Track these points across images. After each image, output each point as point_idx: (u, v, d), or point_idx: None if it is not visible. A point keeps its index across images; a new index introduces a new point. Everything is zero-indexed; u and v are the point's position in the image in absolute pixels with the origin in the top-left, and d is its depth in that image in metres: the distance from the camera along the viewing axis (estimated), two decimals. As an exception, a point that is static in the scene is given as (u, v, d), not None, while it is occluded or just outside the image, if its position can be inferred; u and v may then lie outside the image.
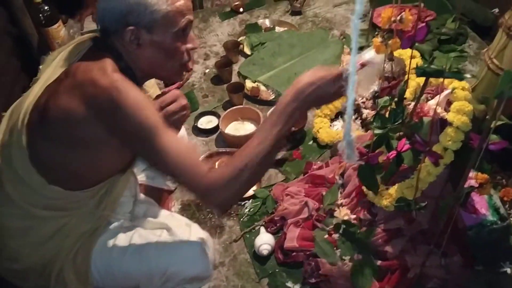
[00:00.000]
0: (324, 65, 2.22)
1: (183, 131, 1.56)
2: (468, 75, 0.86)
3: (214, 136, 2.04)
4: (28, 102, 1.16)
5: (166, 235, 1.28)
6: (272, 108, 1.21)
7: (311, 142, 1.95)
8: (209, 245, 1.29)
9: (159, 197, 1.64)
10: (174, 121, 1.32)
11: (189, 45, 1.20)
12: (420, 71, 0.87)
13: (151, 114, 1.06)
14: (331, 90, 1.07)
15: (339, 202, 1.60)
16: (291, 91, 1.08)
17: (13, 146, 1.16)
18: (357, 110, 1.92)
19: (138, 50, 1.14)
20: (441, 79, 1.24)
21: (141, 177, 1.57)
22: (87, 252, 1.25)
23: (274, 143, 1.07)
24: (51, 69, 1.22)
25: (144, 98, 1.08)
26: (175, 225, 1.30)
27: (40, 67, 1.36)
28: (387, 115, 1.12)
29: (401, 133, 1.19)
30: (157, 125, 1.05)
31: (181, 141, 1.12)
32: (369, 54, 1.04)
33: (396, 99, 1.09)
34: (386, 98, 1.09)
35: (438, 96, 1.16)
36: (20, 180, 1.16)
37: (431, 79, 1.19)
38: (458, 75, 0.85)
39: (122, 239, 1.28)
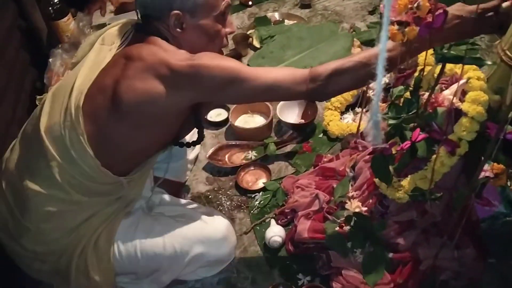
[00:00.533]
0: (333, 58, 2.23)
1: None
2: (488, 62, 0.85)
3: (224, 129, 2.04)
4: (79, 85, 1.17)
5: (189, 219, 1.28)
6: None
7: (321, 135, 1.94)
8: (231, 228, 1.30)
9: (171, 189, 1.64)
10: None
11: (228, 29, 1.24)
12: (439, 57, 0.86)
13: (226, 60, 1.15)
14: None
15: (350, 194, 1.59)
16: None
17: (68, 128, 1.16)
18: (368, 102, 1.91)
19: (182, 34, 1.19)
20: (455, 69, 1.22)
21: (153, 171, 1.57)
22: (109, 235, 1.26)
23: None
24: (95, 53, 1.23)
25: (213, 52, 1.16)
26: (196, 211, 1.30)
27: (75, 55, 1.35)
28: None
29: (414, 124, 1.18)
30: (237, 64, 1.15)
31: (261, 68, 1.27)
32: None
33: (410, 88, 1.08)
34: (401, 87, 1.08)
35: (455, 85, 1.14)
36: (72, 161, 1.16)
37: (446, 68, 1.18)
38: (479, 60, 0.83)
39: (145, 223, 1.29)
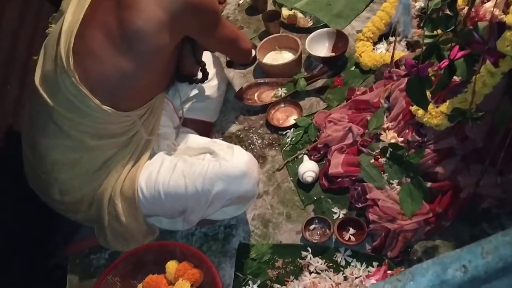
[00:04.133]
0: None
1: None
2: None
3: (252, 67, 1.98)
4: (66, 28, 1.15)
5: (210, 157, 1.27)
6: None
7: (353, 68, 1.86)
8: (253, 163, 1.28)
9: (201, 129, 1.62)
10: None
11: None
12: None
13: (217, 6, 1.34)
14: None
15: (385, 125, 1.54)
16: None
17: (59, 72, 1.15)
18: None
19: None
20: (498, -21, 1.11)
21: (183, 110, 1.55)
22: (133, 179, 1.27)
23: None
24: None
25: None
26: (217, 148, 1.29)
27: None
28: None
29: (452, 44, 1.10)
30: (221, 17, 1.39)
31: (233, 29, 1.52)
32: None
33: (448, 0, 0.99)
34: (438, 0, 0.99)
35: (496, -4, 1.04)
36: (71, 105, 1.16)
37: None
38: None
39: (167, 165, 1.29)
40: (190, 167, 1.25)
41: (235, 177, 1.22)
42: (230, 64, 1.91)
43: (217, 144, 1.34)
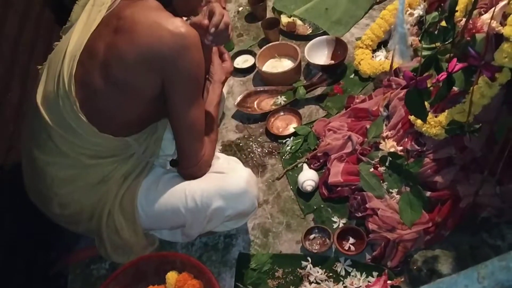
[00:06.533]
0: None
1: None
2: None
3: (251, 75, 1.99)
4: (71, 50, 1.16)
5: (209, 172, 1.27)
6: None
7: (352, 76, 1.86)
8: (252, 180, 1.28)
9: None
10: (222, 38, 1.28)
11: None
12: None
13: (202, 80, 1.20)
14: None
15: (384, 134, 1.54)
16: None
17: (61, 96, 1.16)
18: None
19: None
20: (496, -10, 1.12)
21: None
22: (132, 194, 1.27)
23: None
24: (86, 14, 1.21)
25: (202, 60, 1.15)
26: (216, 163, 1.29)
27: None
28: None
29: (451, 54, 1.10)
30: (201, 95, 1.22)
31: (202, 121, 1.23)
32: None
33: (446, 14, 0.99)
34: (435, 13, 1.00)
35: (493, 8, 1.05)
36: (70, 129, 1.17)
37: (485, -9, 1.08)
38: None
39: (165, 179, 1.29)
40: (189, 182, 1.25)
41: (235, 194, 1.22)
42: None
43: (216, 157, 1.33)
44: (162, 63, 1.09)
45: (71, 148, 1.19)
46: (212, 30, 1.20)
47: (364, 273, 1.33)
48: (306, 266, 1.38)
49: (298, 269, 1.38)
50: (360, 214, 1.42)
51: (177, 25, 1.09)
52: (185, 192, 1.23)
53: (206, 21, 1.22)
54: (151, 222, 1.30)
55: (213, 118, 1.35)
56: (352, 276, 1.33)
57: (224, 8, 2.23)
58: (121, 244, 1.30)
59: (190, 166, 1.25)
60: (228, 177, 1.23)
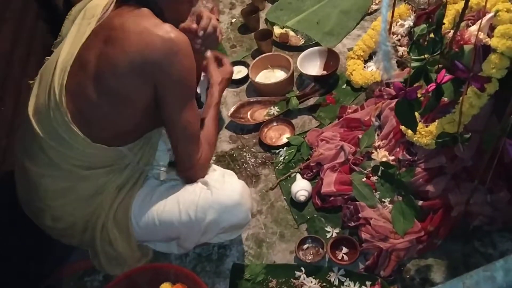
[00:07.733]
0: (354, 6, 2.14)
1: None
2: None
3: (245, 86, 2.01)
4: (62, 62, 1.17)
5: (202, 185, 1.27)
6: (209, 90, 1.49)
7: (344, 86, 1.88)
8: (246, 192, 1.28)
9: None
10: (211, 41, 1.34)
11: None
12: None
13: (194, 84, 1.21)
14: None
15: (376, 144, 1.55)
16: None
17: (52, 108, 1.16)
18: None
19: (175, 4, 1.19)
20: (483, 3, 1.14)
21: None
22: (126, 206, 1.27)
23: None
24: (76, 28, 1.22)
25: (193, 64, 1.16)
26: (210, 175, 1.29)
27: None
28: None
29: (440, 65, 1.12)
30: (193, 99, 1.21)
31: (195, 124, 1.23)
32: None
33: (433, 27, 1.01)
34: (423, 26, 1.01)
35: (480, 20, 1.07)
36: (62, 141, 1.17)
37: (472, 3, 1.10)
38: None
39: (160, 191, 1.29)
40: (183, 195, 1.25)
41: (228, 207, 1.22)
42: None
43: (212, 170, 1.33)
44: (153, 68, 1.10)
45: (64, 160, 1.19)
46: (201, 33, 1.23)
47: (357, 282, 1.33)
48: (300, 276, 1.38)
49: (292, 279, 1.38)
50: (353, 224, 1.43)
51: (167, 30, 1.10)
52: (179, 206, 1.24)
53: (194, 25, 1.25)
54: (145, 234, 1.30)
55: (212, 120, 1.36)
56: (346, 285, 1.34)
57: (217, 19, 2.27)
58: (115, 256, 1.30)
59: (186, 169, 1.27)
60: (221, 190, 1.23)
